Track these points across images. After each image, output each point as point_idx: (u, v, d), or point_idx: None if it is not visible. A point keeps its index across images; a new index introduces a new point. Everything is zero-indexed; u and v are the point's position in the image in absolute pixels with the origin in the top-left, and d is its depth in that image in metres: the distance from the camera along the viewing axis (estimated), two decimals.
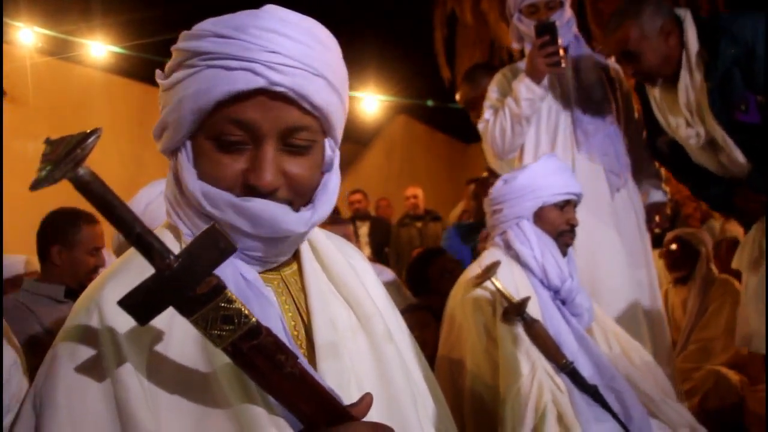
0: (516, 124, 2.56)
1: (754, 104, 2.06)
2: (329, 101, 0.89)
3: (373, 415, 0.88)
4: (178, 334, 0.84)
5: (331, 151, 0.95)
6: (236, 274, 0.88)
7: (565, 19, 2.60)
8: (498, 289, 1.83)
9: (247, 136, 0.85)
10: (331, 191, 0.94)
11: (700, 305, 3.31)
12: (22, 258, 2.78)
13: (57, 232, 2.33)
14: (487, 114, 2.72)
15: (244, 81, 0.82)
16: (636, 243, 2.62)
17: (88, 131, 0.68)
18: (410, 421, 0.95)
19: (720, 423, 2.42)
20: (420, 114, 9.98)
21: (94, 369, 0.80)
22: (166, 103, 0.89)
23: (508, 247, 1.96)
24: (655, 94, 2.36)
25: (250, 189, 0.86)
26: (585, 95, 2.63)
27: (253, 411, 0.79)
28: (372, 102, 7.95)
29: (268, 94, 0.84)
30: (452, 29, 7.62)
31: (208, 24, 0.86)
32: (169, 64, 0.89)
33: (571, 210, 1.97)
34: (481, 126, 2.74)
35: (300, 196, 0.90)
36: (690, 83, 2.20)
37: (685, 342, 3.27)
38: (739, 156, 2.16)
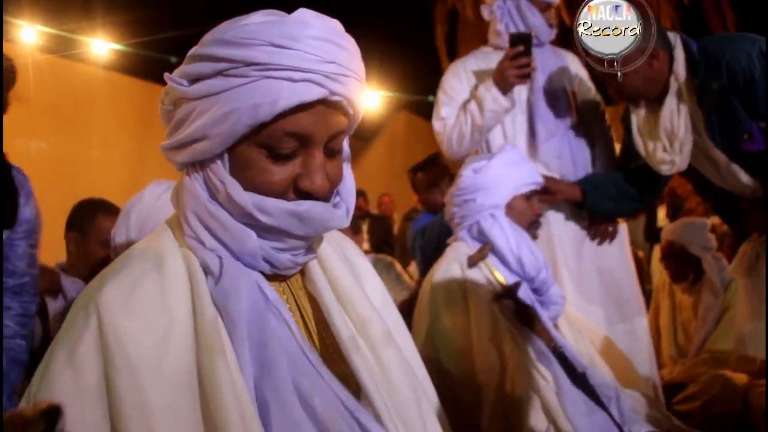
0: (476, 133, 2.44)
1: (757, 131, 2.01)
2: (363, 103, 0.92)
3: (385, 416, 0.89)
4: (176, 341, 0.84)
5: (347, 144, 0.97)
6: (254, 289, 0.89)
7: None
8: (491, 272, 1.83)
9: (298, 144, 0.86)
10: (351, 182, 0.97)
11: (716, 310, 3.11)
12: None
13: (75, 219, 2.36)
14: (444, 111, 2.56)
15: (308, 92, 0.82)
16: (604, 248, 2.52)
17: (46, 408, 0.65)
18: (415, 425, 0.94)
19: (724, 427, 2.41)
20: (422, 110, 9.95)
21: (90, 374, 0.80)
22: (200, 114, 0.84)
23: (475, 239, 1.93)
24: (638, 114, 2.27)
25: (302, 194, 0.87)
26: (544, 96, 2.50)
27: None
28: (374, 98, 7.94)
29: (325, 104, 0.85)
30: (453, 24, 7.62)
31: (248, 31, 0.82)
32: (192, 71, 0.85)
33: (536, 201, 1.98)
34: (437, 125, 2.58)
35: (333, 193, 0.93)
36: (675, 110, 2.12)
37: (698, 351, 3.13)
38: (743, 177, 2.11)
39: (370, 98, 7.91)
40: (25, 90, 6.27)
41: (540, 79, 2.50)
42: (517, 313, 1.75)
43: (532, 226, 1.96)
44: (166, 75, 0.89)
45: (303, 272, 0.99)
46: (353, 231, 3.44)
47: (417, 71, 8.03)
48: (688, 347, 3.27)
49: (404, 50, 7.53)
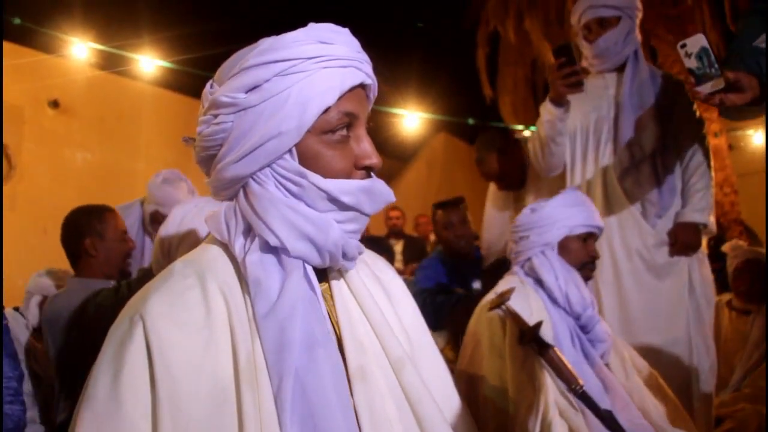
0: (543, 146, 2.59)
1: None
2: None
3: None
4: (214, 356, 0.86)
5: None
6: (309, 308, 0.92)
7: (621, 35, 2.56)
8: (512, 314, 1.84)
9: (348, 126, 0.95)
10: None
11: (764, 347, 3.06)
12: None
13: (85, 226, 2.40)
14: (532, 135, 2.76)
15: (356, 76, 0.94)
16: (677, 273, 2.55)
17: None
18: None
19: None
20: (460, 131, 9.96)
21: (136, 380, 0.82)
22: (269, 116, 0.90)
23: (528, 275, 2.00)
24: None
25: (364, 171, 0.97)
26: (633, 115, 2.56)
27: None
28: (413, 119, 7.97)
29: (362, 87, 0.97)
30: (495, 47, 7.62)
31: (290, 37, 0.91)
32: (246, 81, 0.91)
33: (592, 243, 2.03)
34: (529, 146, 2.78)
35: None
36: None
37: (741, 381, 3.09)
38: None
39: (410, 119, 7.95)
40: (75, 103, 6.49)
41: (628, 96, 2.57)
42: (540, 354, 1.75)
43: (585, 267, 2.01)
44: (208, 92, 0.94)
45: (332, 292, 1.01)
46: (379, 250, 3.45)
47: (456, 93, 8.05)
48: (728, 378, 3.19)
49: (444, 72, 7.56)
